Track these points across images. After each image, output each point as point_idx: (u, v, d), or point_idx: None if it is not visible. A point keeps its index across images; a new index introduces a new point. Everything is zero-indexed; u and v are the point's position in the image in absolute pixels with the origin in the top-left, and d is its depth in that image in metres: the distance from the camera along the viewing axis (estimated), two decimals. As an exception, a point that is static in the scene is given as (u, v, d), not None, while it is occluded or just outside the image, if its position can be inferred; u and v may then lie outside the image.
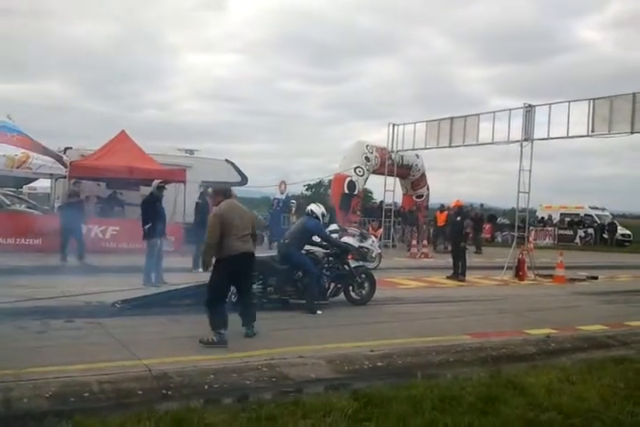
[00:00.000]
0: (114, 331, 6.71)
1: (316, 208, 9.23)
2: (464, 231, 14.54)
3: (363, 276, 9.61)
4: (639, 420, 4.38)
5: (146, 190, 12.67)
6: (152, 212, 10.72)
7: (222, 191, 7.07)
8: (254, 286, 8.47)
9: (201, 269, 12.19)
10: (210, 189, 14.26)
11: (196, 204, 14.19)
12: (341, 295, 9.40)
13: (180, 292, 8.52)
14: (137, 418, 4.04)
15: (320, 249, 9.24)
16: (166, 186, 11.64)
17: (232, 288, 8.23)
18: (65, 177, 16.07)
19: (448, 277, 13.97)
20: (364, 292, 9.57)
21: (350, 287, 9.45)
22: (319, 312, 8.57)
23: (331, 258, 9.28)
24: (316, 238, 9.20)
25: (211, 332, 6.34)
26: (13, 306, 7.75)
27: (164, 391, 4.77)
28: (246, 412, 4.24)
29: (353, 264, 9.55)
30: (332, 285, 9.26)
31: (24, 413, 4.21)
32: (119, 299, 8.21)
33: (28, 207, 18.65)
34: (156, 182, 11.19)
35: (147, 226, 10.58)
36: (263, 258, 8.98)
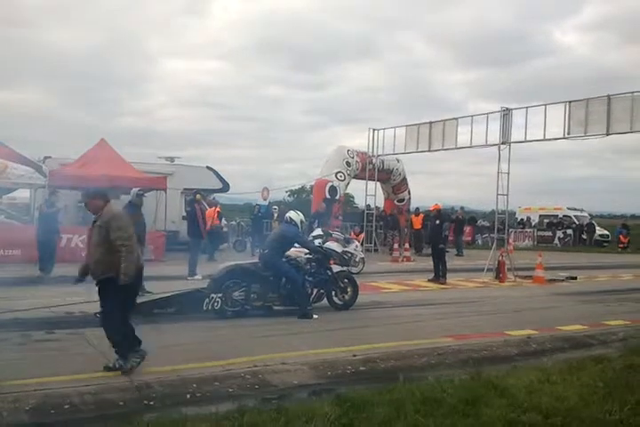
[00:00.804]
0: (95, 341, 6.65)
1: (295, 215, 9.25)
2: (443, 234, 14.70)
3: (345, 280, 9.65)
4: (618, 419, 4.45)
5: (126, 199, 12.59)
6: (131, 220, 10.65)
7: (100, 194, 5.85)
8: (237, 293, 8.50)
9: (198, 277, 12.35)
10: (198, 196, 14.26)
11: (187, 212, 14.13)
12: (324, 301, 9.42)
13: (163, 300, 8.49)
14: (119, 429, 4.03)
15: (302, 255, 9.26)
16: (146, 194, 11.59)
17: (215, 296, 8.27)
18: (44, 187, 15.93)
19: (429, 280, 14.06)
20: (346, 297, 9.60)
21: (333, 292, 9.47)
22: (315, 316, 8.62)
23: (313, 264, 9.30)
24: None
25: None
26: (-8, 318, 7.66)
27: (146, 402, 4.75)
28: (229, 420, 4.23)
29: (335, 269, 9.59)
30: (315, 290, 9.28)
31: (4, 426, 4.18)
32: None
33: (8, 218, 18.46)
34: (134, 190, 11.13)
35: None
36: (245, 265, 9.00)
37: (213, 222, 20.10)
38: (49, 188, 15.33)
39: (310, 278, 9.20)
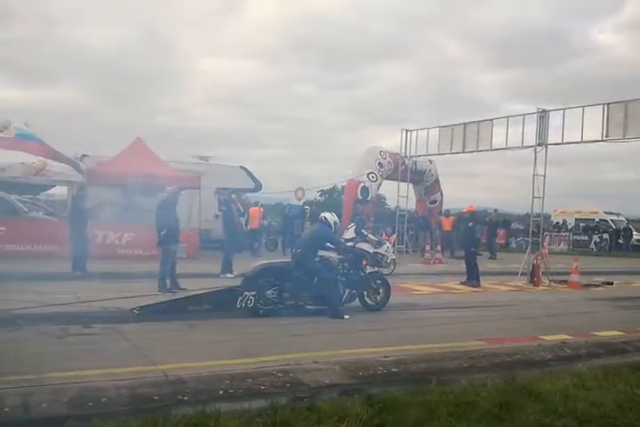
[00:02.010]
0: (131, 337, 6.78)
1: (330, 216, 9.31)
2: (476, 237, 14.53)
3: (378, 281, 9.65)
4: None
5: (162, 196, 12.78)
6: (166, 218, 10.81)
7: None
8: (270, 292, 8.58)
9: (230, 275, 12.50)
10: (234, 196, 14.46)
11: (222, 211, 14.28)
12: (357, 301, 9.43)
13: (197, 297, 8.61)
14: (153, 423, 4.08)
15: (334, 255, 9.29)
16: (181, 192, 11.76)
17: (249, 293, 8.35)
18: (82, 184, 16.25)
19: (462, 283, 13.94)
20: (378, 297, 9.61)
21: (365, 293, 9.48)
22: (346, 317, 8.63)
23: (345, 264, 9.33)
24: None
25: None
26: (32, 312, 7.85)
27: (180, 397, 4.81)
28: (261, 417, 4.26)
29: (368, 270, 9.59)
30: (347, 290, 9.29)
31: (43, 417, 4.28)
32: (137, 305, 8.29)
33: (46, 214, 18.87)
34: (170, 189, 11.30)
35: (162, 232, 10.66)
36: (278, 264, 9.07)
37: (257, 222, 20.71)
38: (77, 184, 15.57)
39: (343, 279, 9.21)
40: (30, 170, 16.00)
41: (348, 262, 9.33)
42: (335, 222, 9.35)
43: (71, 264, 12.77)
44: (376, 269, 9.87)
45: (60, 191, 22.78)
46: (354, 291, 9.37)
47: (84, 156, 18.24)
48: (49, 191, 23.76)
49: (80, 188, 14.95)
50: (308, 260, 8.90)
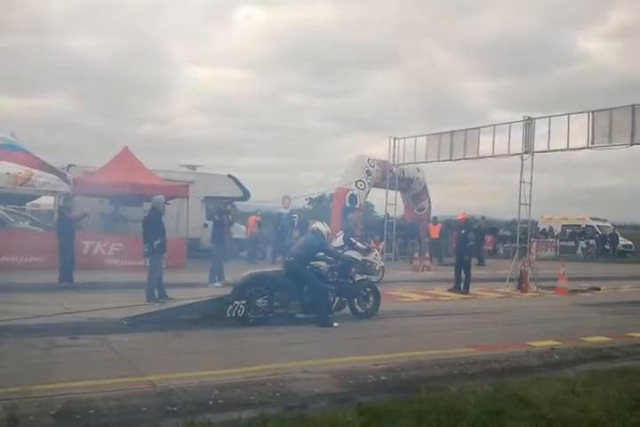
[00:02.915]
0: (118, 347, 6.73)
1: (321, 226, 9.36)
2: (468, 244, 14.55)
3: (367, 289, 9.69)
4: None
5: (149, 206, 12.73)
6: (154, 228, 10.76)
7: None
8: (260, 300, 8.57)
9: (218, 284, 12.46)
10: (229, 207, 14.58)
11: (216, 220, 14.30)
12: (347, 309, 9.43)
13: (186, 307, 8.58)
14: (142, 435, 4.06)
15: (323, 263, 9.30)
16: (169, 201, 11.72)
17: (239, 303, 8.30)
18: (68, 194, 16.16)
19: (450, 290, 13.97)
20: (368, 305, 9.63)
21: (355, 301, 9.50)
22: (336, 324, 8.64)
23: (335, 272, 9.34)
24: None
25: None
26: (18, 323, 7.76)
27: (169, 408, 4.77)
28: (251, 427, 4.24)
29: (357, 278, 9.62)
30: (337, 298, 9.32)
31: (30, 430, 4.23)
32: (126, 315, 8.23)
33: (32, 224, 18.73)
34: (157, 198, 11.26)
35: (151, 242, 10.59)
36: (269, 273, 9.08)
37: (253, 230, 21.46)
38: (63, 194, 15.45)
39: (332, 287, 9.23)
40: (16, 180, 15.83)
41: (338, 271, 9.35)
42: (328, 233, 9.41)
43: (58, 275, 12.67)
44: (365, 276, 9.89)
45: (46, 201, 22.62)
46: (344, 299, 9.39)
47: (70, 165, 18.16)
48: (35, 201, 23.59)
49: (66, 198, 14.83)
50: (300, 268, 8.92)
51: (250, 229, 21.86)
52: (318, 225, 9.41)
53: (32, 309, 8.75)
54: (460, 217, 15.61)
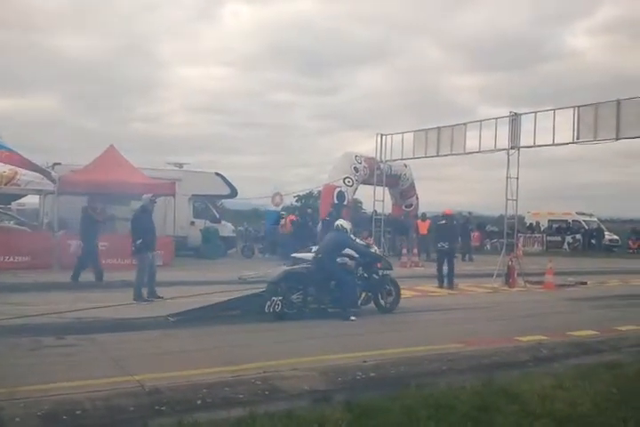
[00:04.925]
0: (106, 347, 6.68)
1: (345, 223, 9.72)
2: (456, 232, 14.58)
3: (390, 284, 9.99)
4: (632, 425, 4.40)
5: (136, 204, 12.63)
6: (142, 226, 10.67)
7: None
8: (295, 296, 8.87)
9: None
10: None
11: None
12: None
13: (228, 303, 8.79)
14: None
15: (348, 260, 9.54)
16: (156, 199, 11.63)
17: (276, 299, 8.65)
18: (54, 193, 16.01)
19: (439, 286, 13.99)
20: (390, 299, 9.92)
21: (379, 295, 9.80)
22: (353, 318, 8.88)
23: (360, 268, 9.63)
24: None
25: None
26: (3, 324, 7.68)
27: (157, 407, 4.73)
28: (240, 426, 4.22)
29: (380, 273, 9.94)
30: (363, 293, 9.66)
31: (16, 432, 4.18)
32: (171, 312, 8.36)
33: (18, 224, 18.56)
34: (146, 196, 11.17)
35: (138, 241, 10.48)
36: (299, 269, 9.28)
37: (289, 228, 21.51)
38: (90, 196, 14.97)
39: (359, 282, 9.52)
40: (1, 179, 15.67)
41: (363, 266, 9.65)
42: (350, 229, 9.84)
43: (72, 273, 12.76)
44: (387, 272, 10.16)
45: (31, 200, 22.44)
46: (369, 293, 9.72)
47: (56, 164, 17.98)
48: (20, 201, 23.38)
49: (91, 199, 14.33)
50: (331, 264, 9.18)
51: (287, 228, 21.71)
52: (342, 222, 9.73)
53: (18, 309, 8.69)
54: (446, 213, 15.61)
